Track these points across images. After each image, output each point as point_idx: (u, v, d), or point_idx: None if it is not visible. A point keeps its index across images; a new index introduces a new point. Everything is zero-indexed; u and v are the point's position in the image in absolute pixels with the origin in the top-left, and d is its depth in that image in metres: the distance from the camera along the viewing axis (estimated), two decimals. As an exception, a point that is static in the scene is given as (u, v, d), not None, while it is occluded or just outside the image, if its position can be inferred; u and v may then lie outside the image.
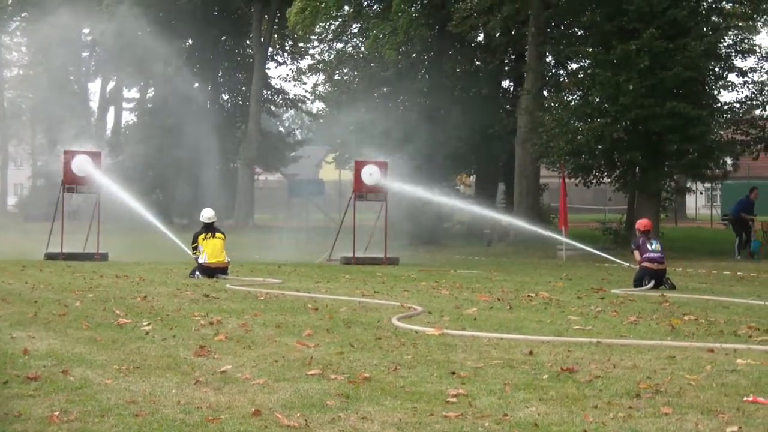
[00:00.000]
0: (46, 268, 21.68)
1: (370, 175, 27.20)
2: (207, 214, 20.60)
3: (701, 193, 55.13)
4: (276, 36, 60.11)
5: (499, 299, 15.39)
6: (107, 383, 7.93)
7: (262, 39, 57.04)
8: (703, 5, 32.46)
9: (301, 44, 59.71)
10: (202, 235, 20.18)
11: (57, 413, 6.82)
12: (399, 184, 28.36)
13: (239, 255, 25.17)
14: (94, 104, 68.46)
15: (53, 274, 19.66)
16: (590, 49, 31.79)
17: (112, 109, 68.43)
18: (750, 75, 34.51)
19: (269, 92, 62.94)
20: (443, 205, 34.16)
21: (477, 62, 45.62)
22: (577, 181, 33.90)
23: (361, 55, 47.24)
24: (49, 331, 10.99)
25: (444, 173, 43.13)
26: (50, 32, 53.02)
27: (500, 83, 46.47)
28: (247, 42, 61.48)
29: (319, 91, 53.27)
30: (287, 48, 62.91)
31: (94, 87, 78.75)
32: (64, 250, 25.92)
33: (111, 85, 67.44)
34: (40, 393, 7.55)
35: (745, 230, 29.96)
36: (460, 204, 37.02)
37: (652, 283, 17.91)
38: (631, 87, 28.70)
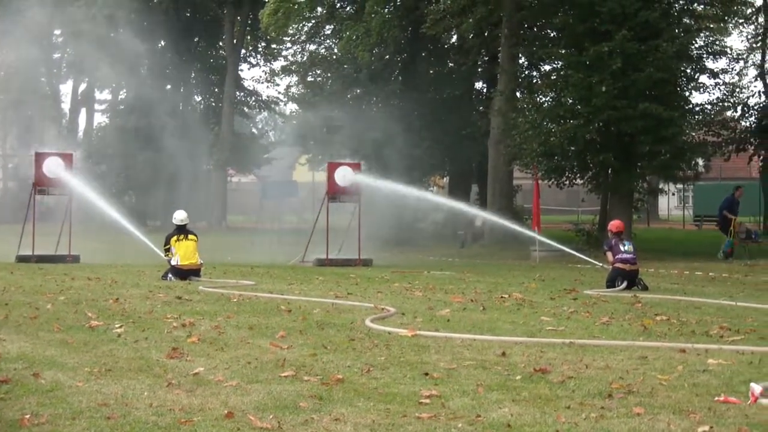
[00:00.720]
0: (17, 270, 21.54)
1: (344, 176, 27.18)
2: (179, 216, 20.50)
3: (673, 194, 55.44)
4: (249, 38, 60.07)
5: (472, 300, 15.41)
6: (79, 386, 7.89)
7: (234, 41, 56.99)
8: (675, 7, 32.60)
9: (274, 46, 59.65)
10: (175, 237, 20.10)
11: (28, 416, 6.78)
12: (373, 180, 28.38)
13: (212, 257, 25.09)
14: (66, 106, 68.07)
15: (24, 277, 19.53)
16: (563, 51, 31.89)
17: (83, 111, 68.09)
18: (721, 76, 34.76)
19: (242, 94, 62.84)
20: (418, 204, 34.05)
21: (450, 64, 45.70)
22: (550, 182, 33.97)
23: (335, 57, 47.18)
24: (20, 333, 10.92)
25: (417, 175, 43.18)
26: (21, 33, 52.65)
27: (473, 85, 46.56)
28: (220, 44, 61.36)
29: (292, 93, 53.23)
30: (260, 50, 62.83)
31: (66, 88, 78.32)
32: (35, 253, 25.80)
33: (83, 86, 67.10)
34: (11, 396, 7.49)
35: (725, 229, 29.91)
36: (436, 198, 36.97)
37: (625, 283, 17.97)
38: (603, 88, 28.78)
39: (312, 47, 50.13)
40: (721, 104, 35.52)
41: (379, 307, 14.04)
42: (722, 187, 51.43)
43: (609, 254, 18.65)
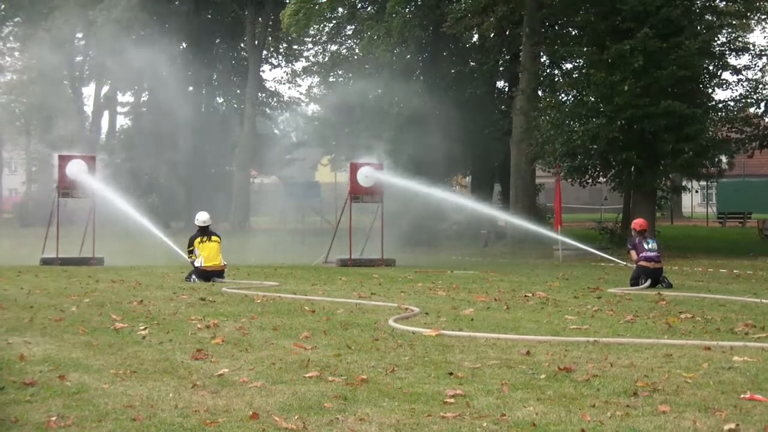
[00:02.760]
0: (41, 273, 21.64)
1: (366, 176, 27.18)
2: (202, 218, 20.53)
3: (697, 191, 55.23)
4: (270, 38, 60.18)
5: (495, 299, 15.39)
6: (104, 388, 7.91)
7: (256, 42, 57.12)
8: (697, 4, 32.50)
9: (295, 46, 59.80)
10: (198, 239, 20.14)
11: (54, 418, 6.79)
12: (396, 179, 28.40)
13: (235, 258, 25.14)
14: (89, 108, 68.37)
15: (49, 279, 19.62)
16: (585, 49, 31.82)
17: (106, 114, 68.37)
18: (744, 73, 34.64)
19: (264, 95, 62.98)
20: (440, 204, 34.01)
21: (471, 63, 45.68)
22: (572, 181, 33.91)
23: (356, 57, 47.25)
24: (46, 336, 10.95)
25: (439, 174, 43.16)
26: (43, 37, 52.93)
27: (495, 84, 46.54)
28: (242, 45, 61.49)
29: (314, 93, 53.37)
30: (281, 50, 62.95)
31: (88, 91, 78.69)
32: (59, 255, 25.93)
33: (105, 89, 67.38)
34: (37, 398, 7.51)
35: None
36: (458, 199, 36.91)
37: (649, 281, 17.94)
38: (625, 87, 28.71)
39: (333, 47, 50.24)
40: (744, 101, 35.37)
41: (402, 306, 14.03)
42: (746, 184, 51.25)
43: (633, 252, 18.63)
